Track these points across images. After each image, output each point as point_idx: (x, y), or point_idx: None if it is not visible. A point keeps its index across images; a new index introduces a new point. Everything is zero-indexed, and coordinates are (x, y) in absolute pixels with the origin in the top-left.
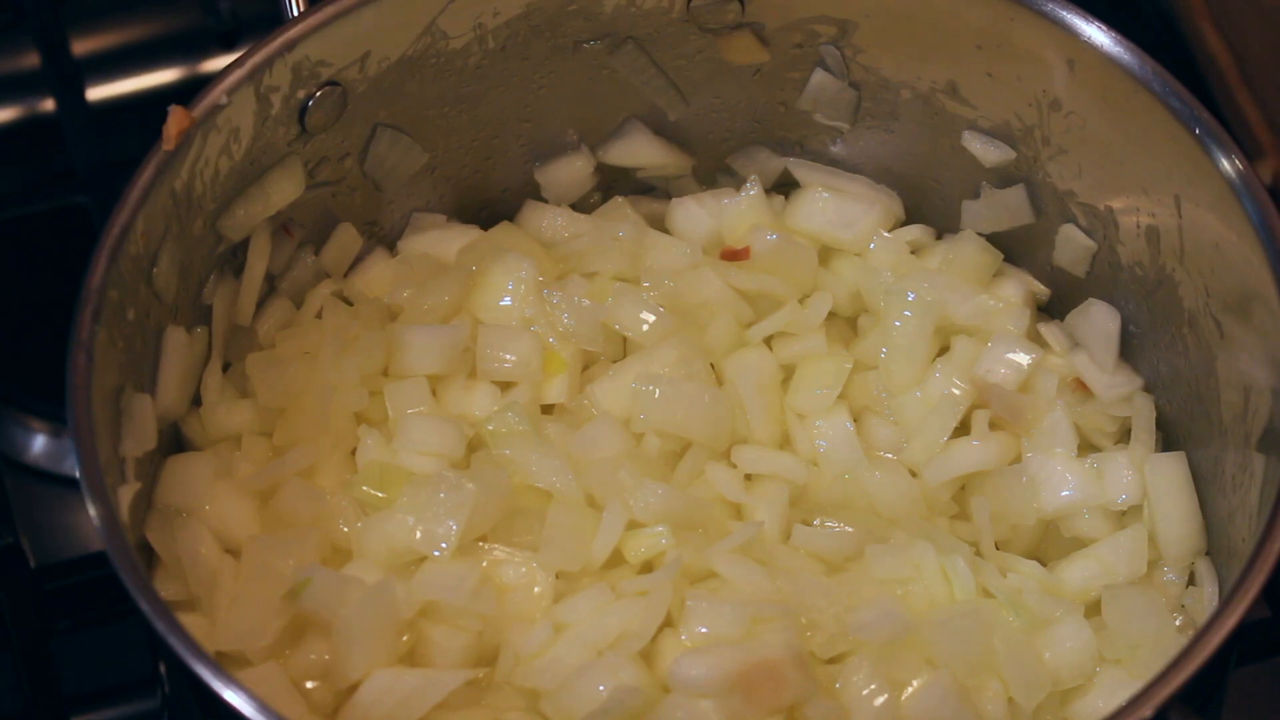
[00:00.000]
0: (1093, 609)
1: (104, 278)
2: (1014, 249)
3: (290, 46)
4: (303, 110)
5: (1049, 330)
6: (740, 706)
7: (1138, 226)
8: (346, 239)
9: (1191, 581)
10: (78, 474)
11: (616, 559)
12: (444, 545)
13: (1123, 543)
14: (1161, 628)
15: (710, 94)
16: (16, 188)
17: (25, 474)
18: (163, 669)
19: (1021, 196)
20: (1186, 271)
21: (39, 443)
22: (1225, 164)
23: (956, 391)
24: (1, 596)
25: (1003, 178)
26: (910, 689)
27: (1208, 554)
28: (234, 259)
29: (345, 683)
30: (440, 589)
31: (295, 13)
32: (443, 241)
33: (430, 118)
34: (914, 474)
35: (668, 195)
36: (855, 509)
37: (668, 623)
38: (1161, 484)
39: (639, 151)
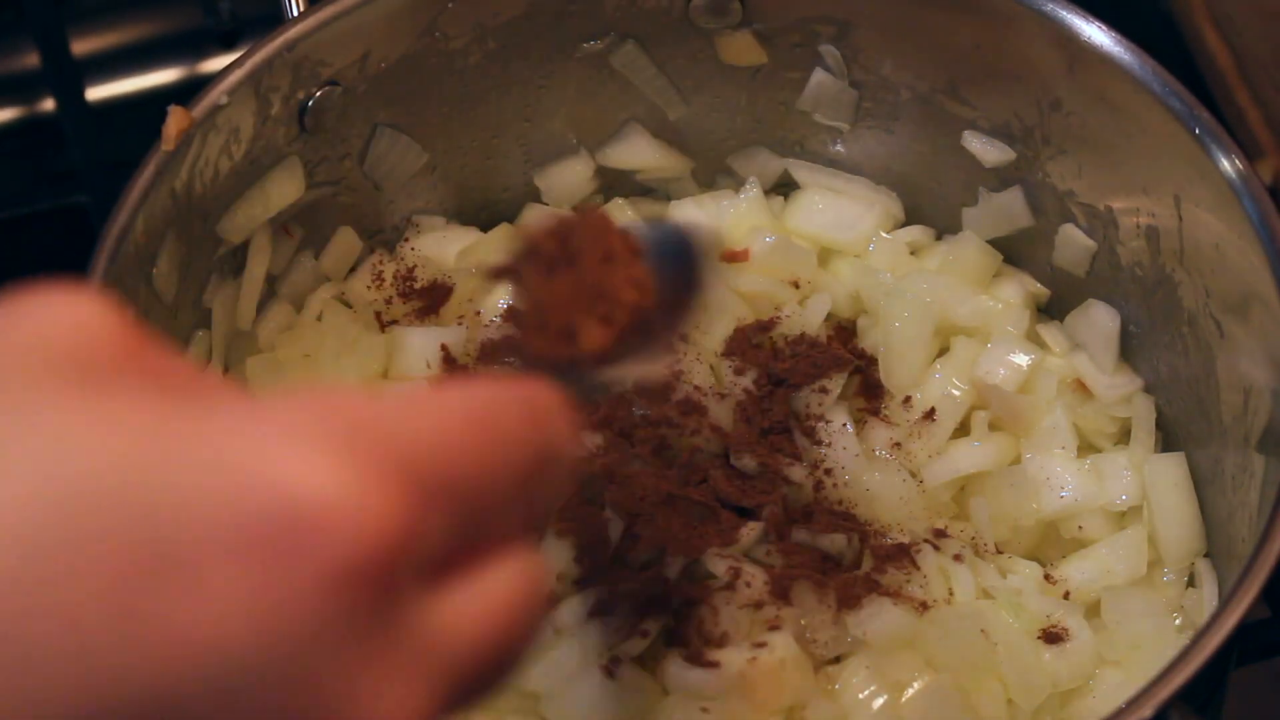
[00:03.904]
0: (1092, 610)
1: (104, 278)
2: (1014, 249)
3: (290, 46)
4: (303, 110)
5: (1049, 331)
6: (739, 708)
7: (1138, 226)
8: (347, 242)
9: (1191, 582)
10: None
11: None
12: None
13: (1122, 544)
14: (1161, 629)
15: (710, 94)
16: (16, 188)
17: None
18: None
19: (1019, 199)
20: (1186, 272)
21: None
22: (1225, 164)
23: (956, 393)
24: None
25: (1001, 179)
26: (910, 691)
27: (1208, 555)
28: (233, 259)
29: None
30: None
31: (295, 13)
32: (443, 244)
33: (430, 118)
34: (914, 474)
35: (667, 197)
36: (855, 508)
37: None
38: (1161, 485)
39: (638, 154)
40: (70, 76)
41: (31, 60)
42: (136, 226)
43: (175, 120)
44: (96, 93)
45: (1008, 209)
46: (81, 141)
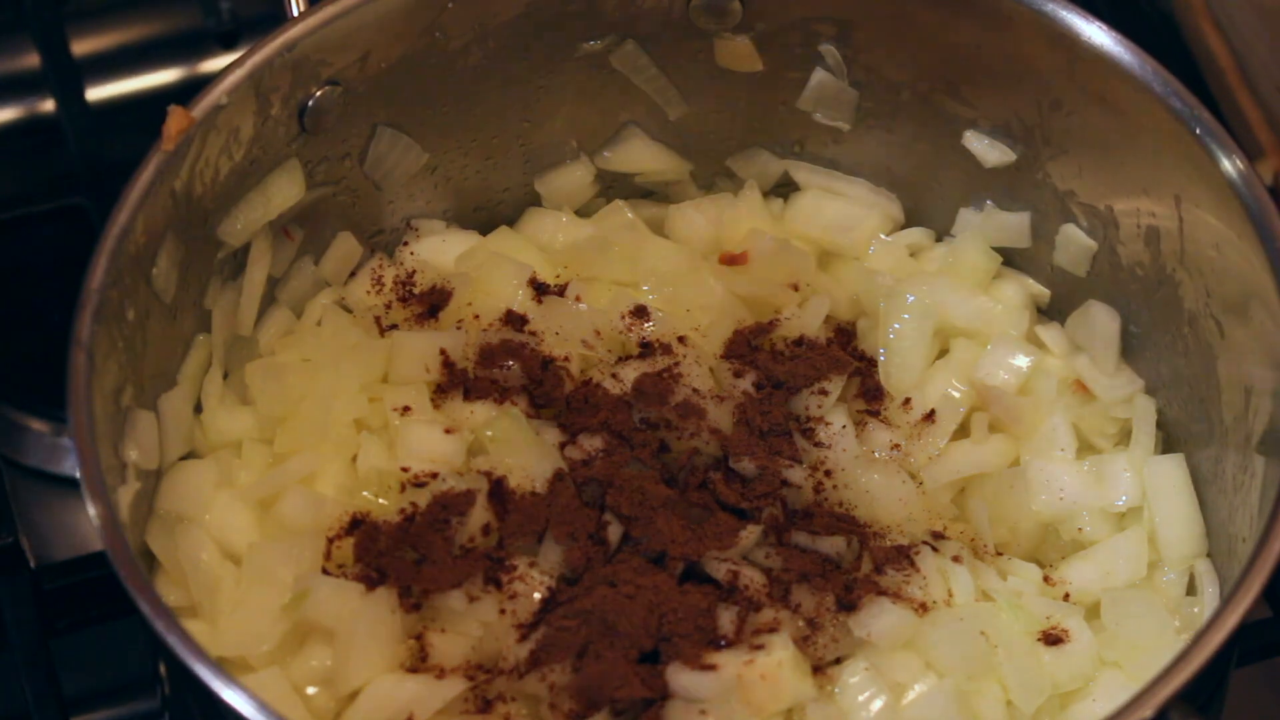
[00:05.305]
0: (1092, 612)
1: (104, 278)
2: (1014, 250)
3: (290, 47)
4: (303, 110)
5: (1048, 333)
6: (738, 710)
7: (1138, 226)
8: (346, 248)
9: (1192, 583)
10: (78, 474)
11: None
12: None
13: (1122, 545)
14: (1161, 631)
15: (710, 94)
16: (16, 188)
17: (25, 474)
18: (163, 669)
19: (1025, 222)
20: (1187, 272)
21: (39, 443)
22: (1225, 164)
23: (956, 394)
24: (2, 596)
25: (1002, 179)
26: (910, 694)
27: (1208, 555)
28: (234, 262)
29: (346, 689)
30: (441, 595)
31: (295, 13)
32: (442, 247)
33: (430, 118)
34: (913, 476)
35: (667, 199)
36: (855, 510)
37: None
38: (1161, 486)
39: (638, 157)
40: (70, 76)
41: (31, 60)
42: (136, 227)
43: (175, 120)
44: (96, 93)
45: (1011, 228)
46: (81, 141)
